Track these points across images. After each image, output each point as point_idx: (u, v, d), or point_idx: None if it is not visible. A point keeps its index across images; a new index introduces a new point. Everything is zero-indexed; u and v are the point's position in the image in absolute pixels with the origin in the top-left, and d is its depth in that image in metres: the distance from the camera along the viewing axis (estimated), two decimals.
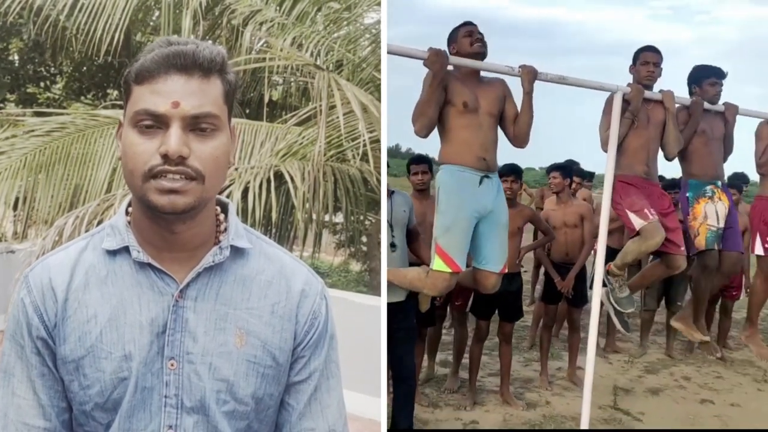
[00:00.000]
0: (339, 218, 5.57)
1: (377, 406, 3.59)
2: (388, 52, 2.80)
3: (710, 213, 3.55)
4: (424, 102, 2.86)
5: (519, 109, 3.10)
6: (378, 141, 4.33)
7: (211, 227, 1.14)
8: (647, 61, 3.45)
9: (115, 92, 7.54)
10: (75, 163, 4.96)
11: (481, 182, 2.97)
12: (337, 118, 4.25)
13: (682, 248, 3.39)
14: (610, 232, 5.21)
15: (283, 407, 1.18)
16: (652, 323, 5.54)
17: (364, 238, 6.28)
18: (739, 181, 5.49)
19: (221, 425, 1.09)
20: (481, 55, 3.02)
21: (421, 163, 3.99)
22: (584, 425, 3.21)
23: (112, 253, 1.10)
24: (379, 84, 5.29)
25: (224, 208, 1.18)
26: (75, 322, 1.08)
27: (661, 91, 3.47)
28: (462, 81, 3.00)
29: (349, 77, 5.32)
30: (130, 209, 1.13)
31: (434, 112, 2.89)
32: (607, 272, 3.51)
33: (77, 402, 1.09)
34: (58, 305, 1.09)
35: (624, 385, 4.64)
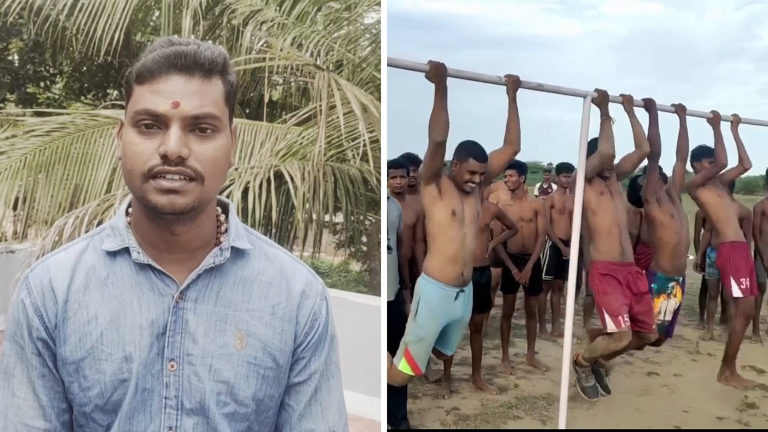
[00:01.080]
0: (339, 218, 5.58)
1: (377, 406, 3.59)
2: (388, 65, 2.88)
3: (663, 309, 3.86)
4: (436, 110, 2.95)
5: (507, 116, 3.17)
6: (378, 141, 4.33)
7: (212, 228, 1.13)
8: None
9: (115, 92, 7.53)
10: (75, 163, 4.96)
11: (456, 297, 3.15)
12: (337, 118, 4.24)
13: (654, 327, 3.68)
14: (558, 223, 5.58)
15: (284, 408, 1.17)
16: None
17: (364, 238, 6.27)
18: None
19: (221, 427, 1.09)
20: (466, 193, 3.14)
21: (399, 168, 4.05)
22: (563, 404, 3.41)
23: (113, 254, 1.10)
24: (379, 84, 5.28)
25: (225, 209, 1.17)
26: (75, 323, 1.08)
27: (621, 95, 3.56)
28: (456, 187, 3.13)
29: (349, 77, 5.32)
30: (130, 210, 1.13)
31: (446, 116, 2.97)
32: (575, 362, 3.67)
33: (77, 403, 1.09)
34: (59, 306, 1.08)
35: None
